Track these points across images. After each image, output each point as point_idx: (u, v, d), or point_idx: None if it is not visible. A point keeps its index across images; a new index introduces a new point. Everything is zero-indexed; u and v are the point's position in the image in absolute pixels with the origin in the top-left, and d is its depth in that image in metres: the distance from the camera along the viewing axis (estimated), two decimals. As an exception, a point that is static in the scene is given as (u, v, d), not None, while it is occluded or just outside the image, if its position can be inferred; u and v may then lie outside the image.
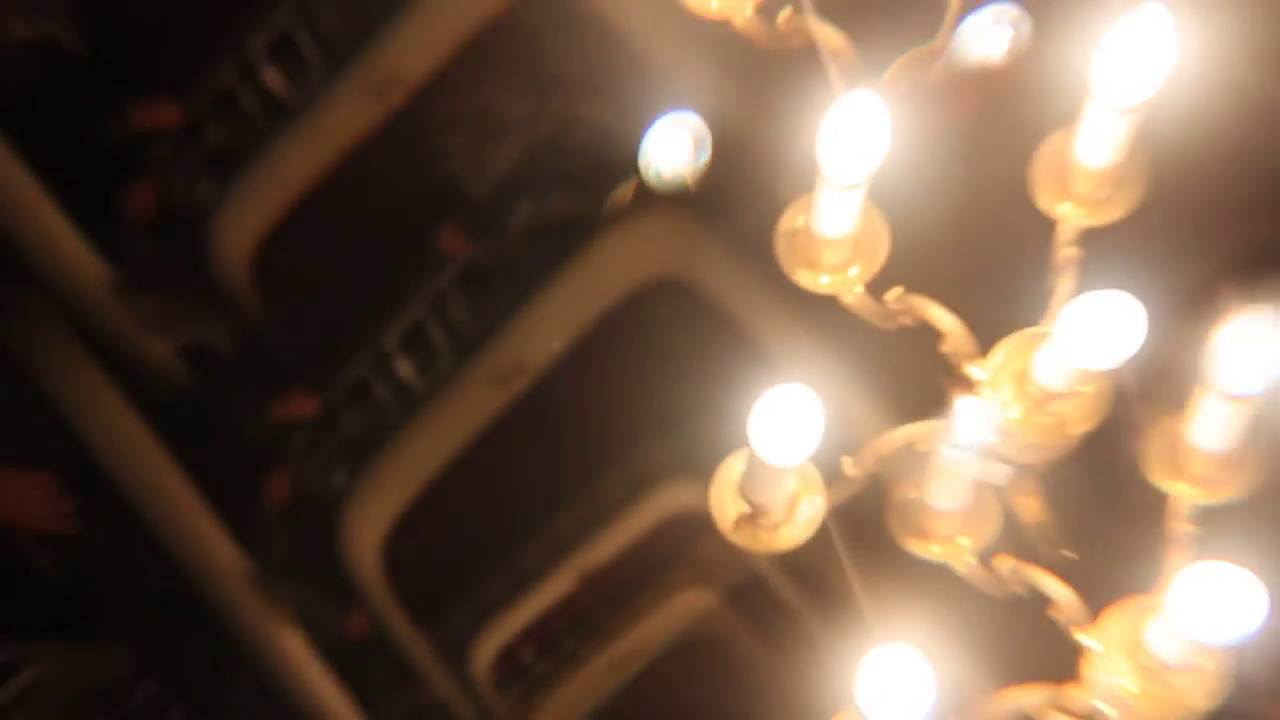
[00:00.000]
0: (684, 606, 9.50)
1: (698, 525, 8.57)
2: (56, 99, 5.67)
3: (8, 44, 5.55)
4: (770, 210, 1.80)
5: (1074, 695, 1.73)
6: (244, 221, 6.21)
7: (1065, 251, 1.75)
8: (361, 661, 6.39)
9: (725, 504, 1.77)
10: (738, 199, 6.00)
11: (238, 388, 6.05)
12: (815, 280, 1.77)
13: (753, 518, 1.76)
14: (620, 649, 9.64)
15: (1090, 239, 1.73)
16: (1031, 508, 1.89)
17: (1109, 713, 1.71)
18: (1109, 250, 1.72)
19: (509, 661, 8.61)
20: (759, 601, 8.80)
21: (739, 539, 1.79)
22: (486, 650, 8.28)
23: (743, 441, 1.68)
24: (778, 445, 1.57)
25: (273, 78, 6.00)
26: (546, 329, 6.52)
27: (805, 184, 1.69)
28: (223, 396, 5.93)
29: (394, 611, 6.67)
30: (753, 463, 1.65)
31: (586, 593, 8.37)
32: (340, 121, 6.15)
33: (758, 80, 1.80)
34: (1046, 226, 1.77)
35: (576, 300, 6.53)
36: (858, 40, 1.71)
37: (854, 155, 1.58)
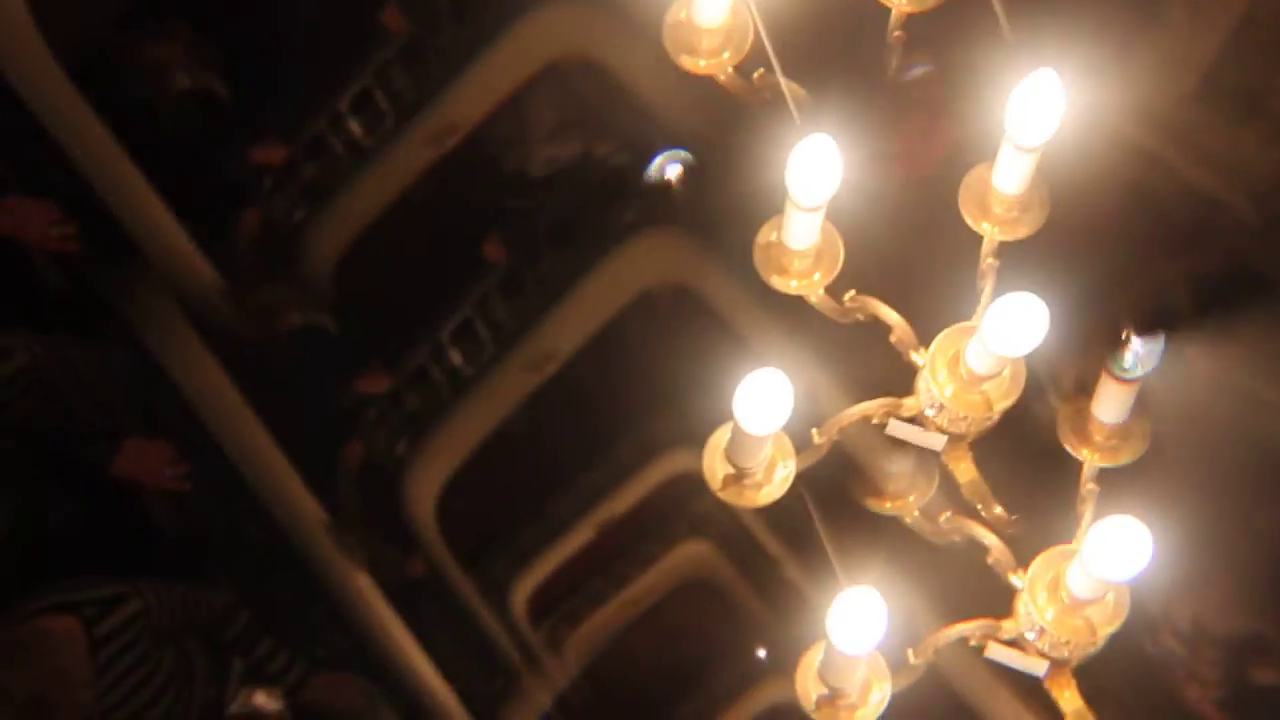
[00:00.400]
0: (684, 555, 9.49)
1: (695, 485, 8.54)
2: (206, 140, 5.73)
3: (172, 93, 5.60)
4: (750, 229, 1.81)
5: (1006, 627, 1.75)
6: (330, 239, 6.24)
7: (987, 261, 1.76)
8: (420, 598, 6.37)
9: (715, 467, 1.76)
10: (725, 220, 6.01)
11: (324, 367, 6.07)
12: (786, 284, 1.76)
13: (737, 478, 1.74)
14: (633, 590, 9.64)
15: (1007, 251, 1.74)
16: (965, 470, 1.89)
17: (1033, 639, 1.73)
18: (1022, 260, 1.73)
19: (542, 600, 8.61)
20: (746, 550, 8.80)
21: (726, 496, 1.81)
22: (523, 590, 8.29)
23: (730, 415, 1.69)
24: (757, 418, 1.59)
25: (355, 127, 6.09)
26: (572, 324, 6.51)
27: (777, 207, 1.71)
28: (310, 374, 5.94)
29: (446, 556, 6.67)
30: (737, 432, 1.65)
31: (604, 542, 8.37)
32: (406, 161, 6.21)
33: (738, 123, 1.80)
34: (973, 241, 1.77)
35: (596, 301, 6.52)
36: (815, 90, 1.71)
37: (814, 184, 1.59)
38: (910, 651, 1.76)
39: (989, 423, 1.78)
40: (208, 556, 4.39)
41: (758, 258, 1.78)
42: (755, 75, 1.71)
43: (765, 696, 7.90)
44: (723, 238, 6.24)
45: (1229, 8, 3.91)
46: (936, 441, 1.82)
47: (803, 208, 1.64)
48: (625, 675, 9.85)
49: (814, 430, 1.79)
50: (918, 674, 1.78)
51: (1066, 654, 1.72)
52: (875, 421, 1.81)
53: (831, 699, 1.71)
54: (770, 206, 1.75)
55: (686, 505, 8.99)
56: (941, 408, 1.74)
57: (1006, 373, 1.71)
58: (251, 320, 5.55)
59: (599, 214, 6.24)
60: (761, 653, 8.75)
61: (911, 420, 1.80)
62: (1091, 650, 1.72)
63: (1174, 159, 4.18)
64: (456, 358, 6.28)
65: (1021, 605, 1.73)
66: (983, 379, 1.71)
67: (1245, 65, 3.98)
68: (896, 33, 1.74)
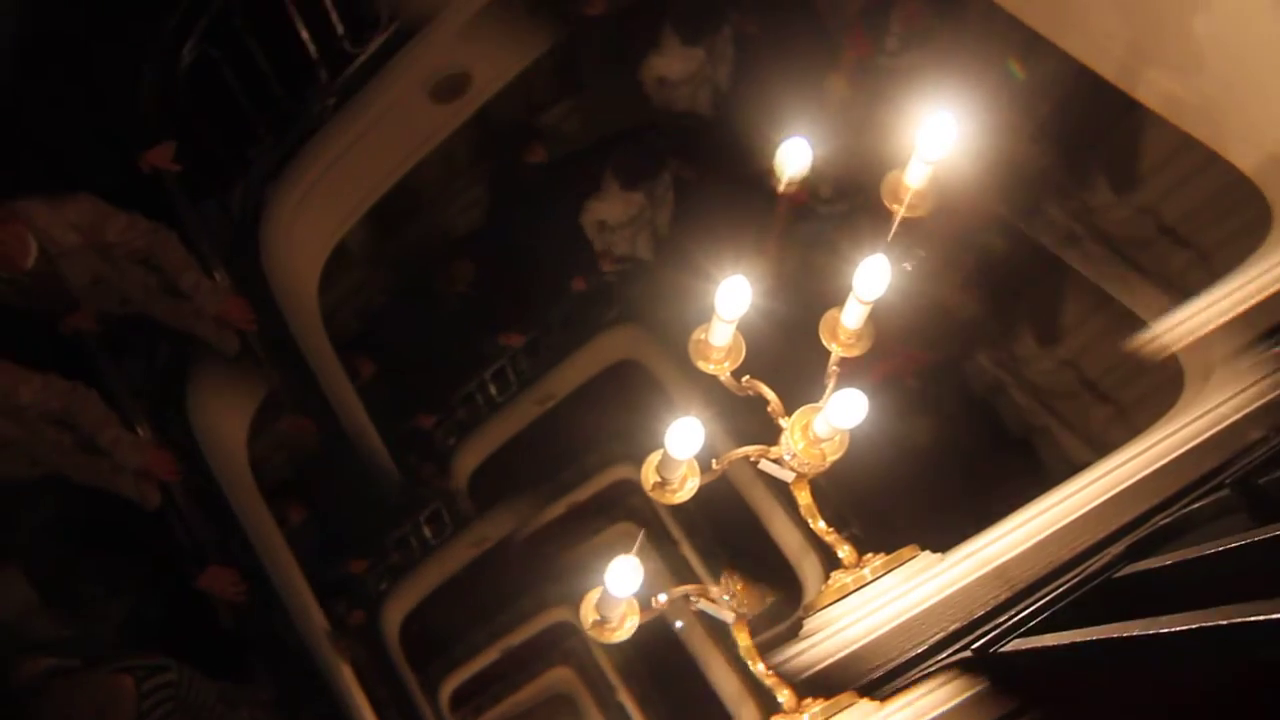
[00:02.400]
0: (617, 531, 9.33)
1: (631, 487, 8.47)
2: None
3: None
4: (681, 335, 1.79)
5: (773, 451, 1.73)
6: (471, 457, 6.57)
7: (832, 367, 1.75)
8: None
9: (648, 475, 1.73)
10: (666, 329, 6.10)
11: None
12: (706, 367, 1.73)
13: (662, 485, 1.72)
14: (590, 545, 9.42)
15: (846, 362, 1.74)
16: (804, 496, 1.78)
17: (788, 460, 1.72)
18: (853, 367, 1.74)
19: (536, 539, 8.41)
20: (657, 529, 8.66)
21: (653, 495, 1.75)
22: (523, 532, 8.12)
23: (661, 444, 1.66)
24: (679, 447, 1.57)
25: (492, 390, 6.32)
26: (567, 378, 6.49)
27: (705, 319, 1.69)
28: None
29: (468, 503, 6.53)
30: (665, 455, 1.63)
31: (570, 514, 8.23)
32: (520, 414, 6.48)
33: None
34: (824, 353, 1.77)
35: (584, 365, 6.53)
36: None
37: (731, 307, 1.61)
38: (713, 461, 1.74)
39: (823, 468, 1.74)
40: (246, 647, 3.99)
41: (691, 348, 1.75)
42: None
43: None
44: (664, 337, 6.31)
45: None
46: (789, 476, 1.78)
47: (723, 320, 1.64)
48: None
49: (713, 460, 1.75)
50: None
51: (807, 470, 1.73)
52: (751, 459, 1.77)
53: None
54: (697, 320, 1.77)
55: (624, 499, 8.93)
56: (795, 456, 1.72)
57: (838, 438, 1.70)
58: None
59: (593, 311, 6.28)
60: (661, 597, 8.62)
61: (775, 461, 1.76)
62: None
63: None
64: (493, 390, 6.24)
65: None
66: (822, 440, 1.70)
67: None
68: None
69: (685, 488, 1.73)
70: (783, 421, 1.74)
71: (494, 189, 6.12)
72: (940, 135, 1.63)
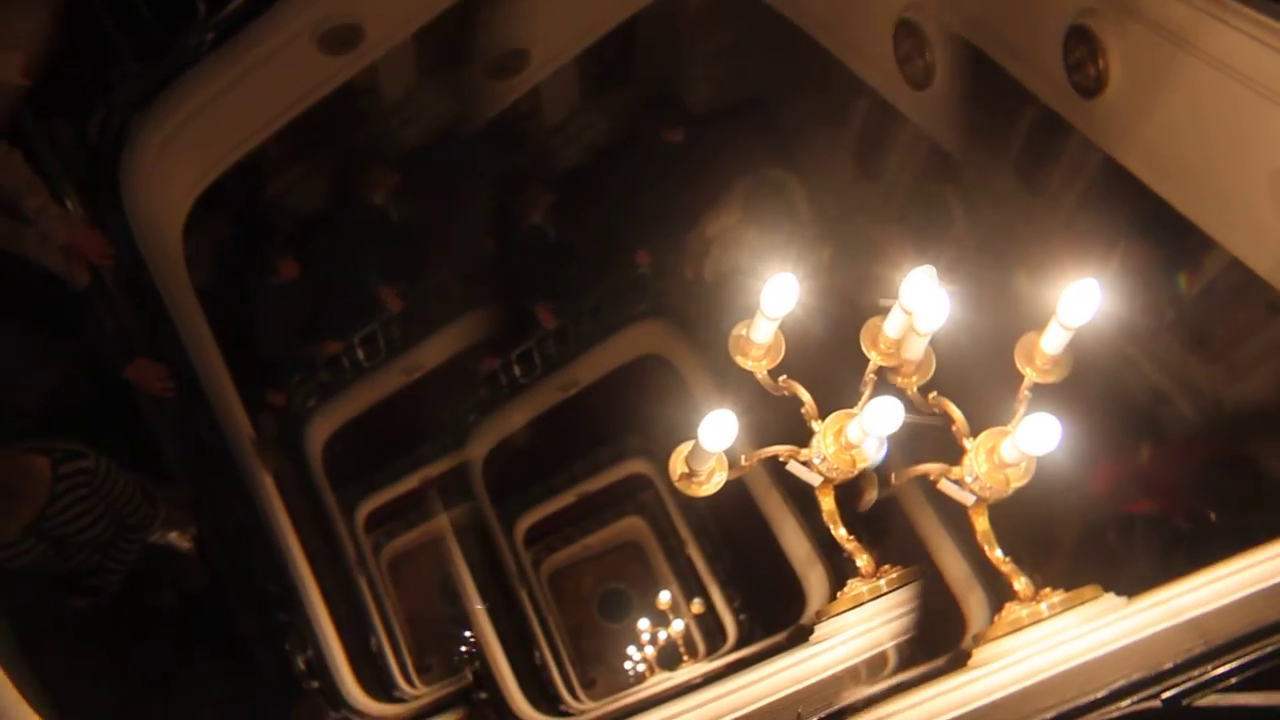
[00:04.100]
0: (627, 525, 9.36)
1: (643, 482, 8.47)
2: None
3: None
4: (707, 334, 1.76)
5: (955, 471, 1.69)
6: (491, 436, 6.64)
7: (869, 375, 1.74)
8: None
9: (677, 465, 1.72)
10: (695, 326, 6.06)
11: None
12: (744, 363, 1.72)
13: (689, 476, 1.71)
14: (591, 539, 9.47)
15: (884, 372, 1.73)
16: (827, 502, 1.80)
17: (970, 481, 1.66)
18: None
19: (531, 533, 8.47)
20: (665, 529, 8.66)
21: (679, 485, 1.74)
22: (523, 525, 8.17)
23: (682, 440, 1.68)
24: (712, 439, 1.56)
25: (517, 370, 6.29)
26: (592, 366, 6.49)
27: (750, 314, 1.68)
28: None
29: (483, 490, 6.57)
30: (696, 446, 1.62)
31: (580, 505, 8.25)
32: (544, 398, 6.52)
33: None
34: (862, 360, 1.75)
35: (610, 355, 6.52)
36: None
37: (777, 304, 1.60)
38: (742, 457, 1.71)
39: (850, 475, 1.74)
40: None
41: (731, 342, 1.73)
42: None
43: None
44: (693, 335, 6.28)
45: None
46: (815, 479, 1.77)
47: (766, 317, 1.63)
48: (575, 589, 9.60)
49: (742, 456, 1.74)
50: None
51: (988, 494, 1.67)
52: (781, 459, 1.76)
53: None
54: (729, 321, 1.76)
55: (635, 494, 8.94)
56: (824, 459, 1.71)
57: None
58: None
59: (624, 303, 6.27)
60: (665, 595, 8.63)
61: (803, 463, 1.75)
62: (1003, 495, 1.65)
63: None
64: (517, 371, 6.25)
65: (968, 459, 1.66)
66: (853, 446, 1.69)
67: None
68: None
69: (712, 481, 1.72)
70: (815, 424, 1.73)
71: (610, 139, 5.79)
72: (1084, 302, 1.54)
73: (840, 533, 1.83)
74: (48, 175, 3.33)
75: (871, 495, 1.76)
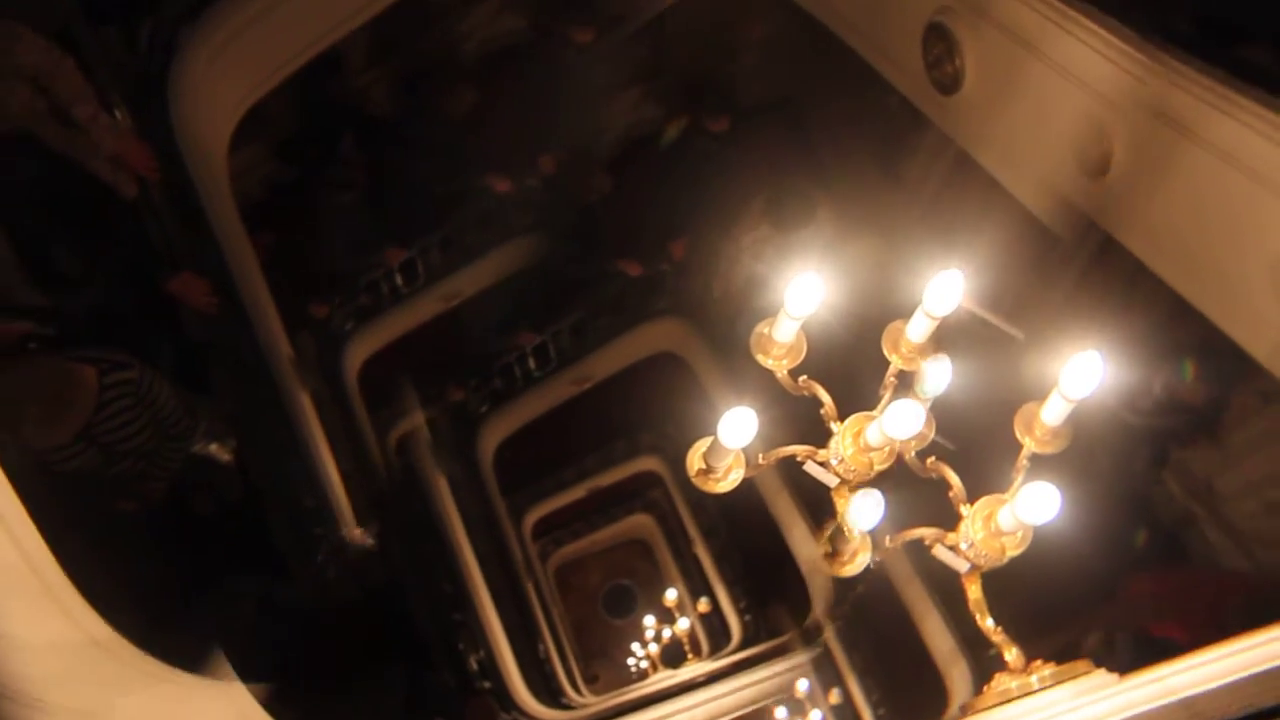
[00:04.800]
0: (635, 522, 9.36)
1: (653, 480, 8.48)
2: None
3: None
4: (721, 333, 1.75)
5: (951, 537, 1.68)
6: (501, 429, 6.61)
7: (890, 378, 1.73)
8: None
9: (694, 461, 1.70)
10: (710, 326, 6.05)
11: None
12: (765, 361, 1.71)
13: (706, 472, 1.70)
14: (599, 534, 9.47)
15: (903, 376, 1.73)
16: (842, 504, 1.74)
17: (965, 548, 1.65)
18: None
19: (540, 526, 8.49)
20: (673, 528, 8.66)
21: (696, 481, 1.72)
22: (532, 518, 8.19)
23: (700, 434, 1.67)
24: (732, 435, 1.56)
25: (531, 364, 6.37)
26: (607, 362, 6.50)
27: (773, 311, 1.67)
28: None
29: (493, 483, 6.59)
30: (715, 443, 1.62)
31: (590, 499, 8.26)
32: (555, 391, 6.61)
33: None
34: (883, 363, 1.74)
35: (626, 351, 6.53)
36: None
37: (801, 304, 1.60)
38: (760, 456, 1.69)
39: (869, 477, 1.72)
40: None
41: (753, 340, 1.72)
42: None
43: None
44: (709, 334, 6.27)
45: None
46: (832, 480, 1.76)
47: (790, 316, 1.63)
48: (582, 584, 9.65)
49: (760, 455, 1.72)
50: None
51: (982, 562, 1.66)
52: (799, 459, 1.75)
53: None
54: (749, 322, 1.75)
55: (645, 491, 8.94)
56: (842, 460, 1.70)
57: (888, 449, 1.68)
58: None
59: (643, 299, 6.27)
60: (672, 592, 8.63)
61: (821, 464, 1.74)
62: (998, 564, 1.64)
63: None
64: (532, 364, 6.27)
65: (964, 525, 1.65)
66: (872, 449, 1.68)
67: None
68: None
69: (729, 478, 1.71)
70: (834, 425, 1.73)
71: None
72: (1085, 375, 1.53)
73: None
74: (98, 84, 3.33)
75: (865, 557, 1.73)
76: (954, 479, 1.69)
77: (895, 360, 1.74)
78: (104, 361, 2.78)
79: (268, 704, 2.58)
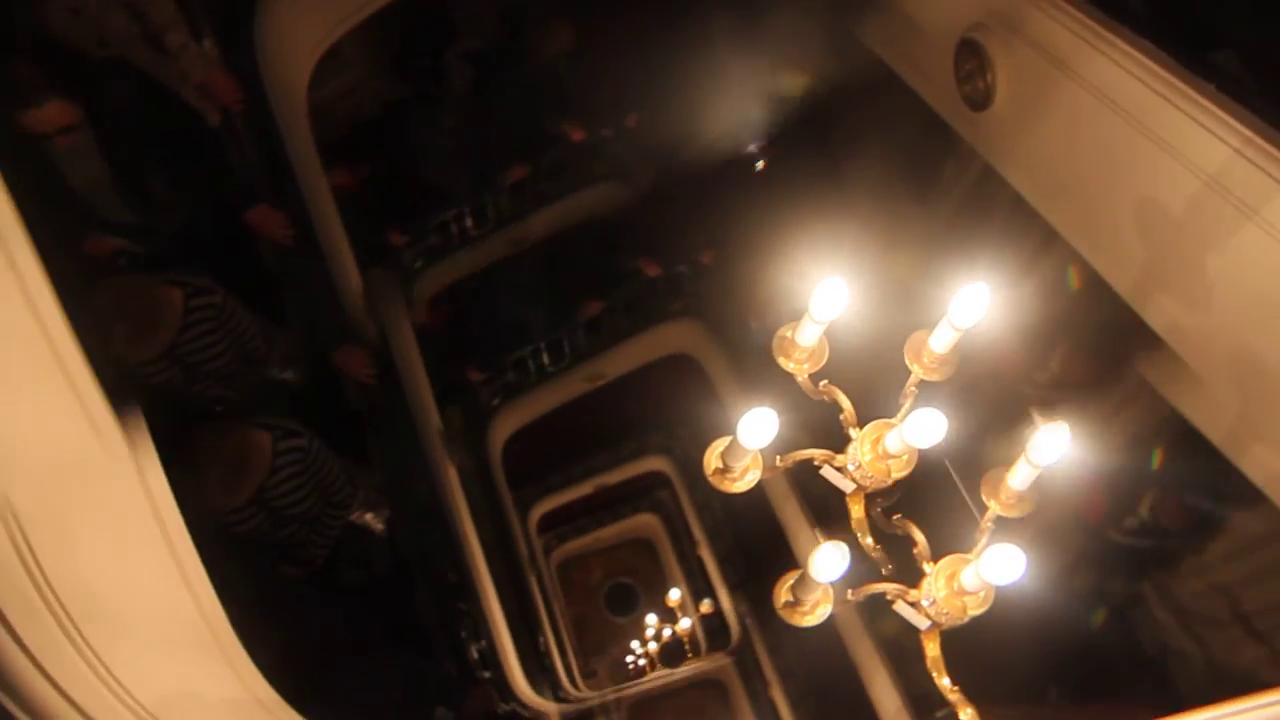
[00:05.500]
0: (640, 521, 9.36)
1: (660, 479, 8.48)
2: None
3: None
4: (737, 338, 1.75)
5: (913, 594, 1.70)
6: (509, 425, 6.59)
7: (910, 387, 1.72)
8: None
9: (711, 461, 1.71)
10: (726, 329, 6.04)
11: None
12: (787, 364, 1.71)
13: (723, 472, 1.71)
14: (604, 532, 9.47)
15: (924, 385, 1.73)
16: (857, 510, 1.77)
17: (926, 605, 1.67)
18: (931, 391, 1.72)
19: (545, 521, 8.51)
20: (678, 528, 8.66)
21: (713, 481, 1.73)
22: (538, 512, 8.21)
23: (710, 437, 1.68)
24: (751, 436, 1.56)
25: (545, 360, 6.42)
26: (621, 360, 6.51)
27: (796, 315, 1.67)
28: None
29: (500, 475, 6.60)
30: (733, 443, 1.62)
31: (597, 496, 8.27)
32: (567, 387, 6.61)
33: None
34: (904, 372, 1.74)
35: (640, 351, 6.54)
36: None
37: (826, 309, 1.60)
38: (777, 458, 1.69)
39: (885, 484, 1.73)
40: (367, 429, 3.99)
41: (775, 343, 1.72)
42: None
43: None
44: (724, 337, 6.27)
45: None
46: (848, 486, 1.77)
47: (814, 320, 1.63)
48: (584, 580, 9.66)
49: (777, 457, 1.73)
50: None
51: (943, 620, 1.67)
52: (816, 462, 1.76)
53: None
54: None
55: (652, 491, 8.94)
56: (859, 466, 1.71)
57: (906, 457, 1.69)
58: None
59: (659, 300, 6.28)
60: (675, 592, 8.63)
61: (838, 469, 1.75)
62: (959, 623, 1.67)
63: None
64: (545, 359, 6.29)
65: (926, 583, 1.67)
66: (890, 456, 1.69)
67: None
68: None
69: (745, 478, 1.72)
70: (853, 431, 1.73)
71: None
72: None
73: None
74: (189, 14, 3.44)
75: (826, 609, 1.73)
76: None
77: (916, 370, 1.73)
78: (189, 285, 2.87)
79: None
